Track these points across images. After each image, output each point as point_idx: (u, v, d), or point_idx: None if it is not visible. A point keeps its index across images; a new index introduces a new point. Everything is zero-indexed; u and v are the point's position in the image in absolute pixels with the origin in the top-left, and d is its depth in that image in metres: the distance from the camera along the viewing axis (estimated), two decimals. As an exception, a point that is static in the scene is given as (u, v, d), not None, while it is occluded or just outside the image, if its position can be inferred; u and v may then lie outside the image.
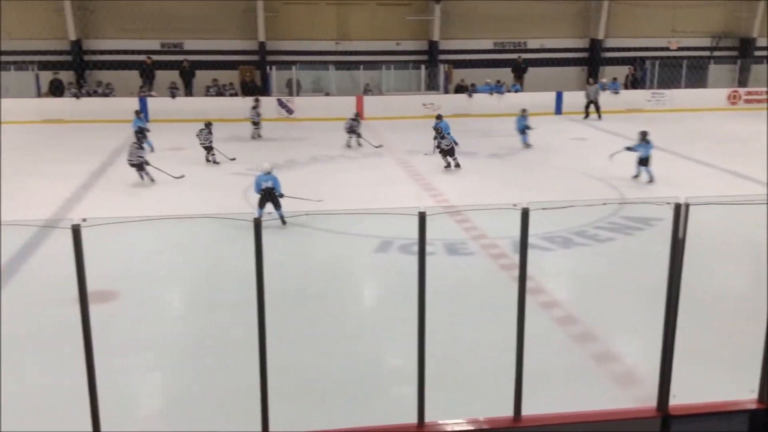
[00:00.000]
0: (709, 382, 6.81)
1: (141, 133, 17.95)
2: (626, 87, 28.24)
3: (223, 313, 8.67)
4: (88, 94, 24.80)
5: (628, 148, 15.59)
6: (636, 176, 15.63)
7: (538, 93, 26.87)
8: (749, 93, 28.22)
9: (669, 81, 28.25)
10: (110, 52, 27.01)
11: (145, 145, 16.19)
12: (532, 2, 28.77)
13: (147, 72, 26.04)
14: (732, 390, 5.77)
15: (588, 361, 7.55)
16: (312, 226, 12.03)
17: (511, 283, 9.36)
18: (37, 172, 16.06)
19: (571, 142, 20.90)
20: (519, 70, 28.84)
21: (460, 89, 27.30)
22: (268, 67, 27.20)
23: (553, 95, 26.94)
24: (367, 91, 26.74)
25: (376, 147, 19.64)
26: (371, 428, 5.55)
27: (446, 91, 27.67)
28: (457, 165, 16.87)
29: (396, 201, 13.65)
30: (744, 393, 5.56)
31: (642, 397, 6.53)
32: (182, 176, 15.49)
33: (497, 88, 26.81)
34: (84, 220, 4.60)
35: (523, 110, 20.19)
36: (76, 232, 4.54)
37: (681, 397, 5.43)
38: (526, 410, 5.35)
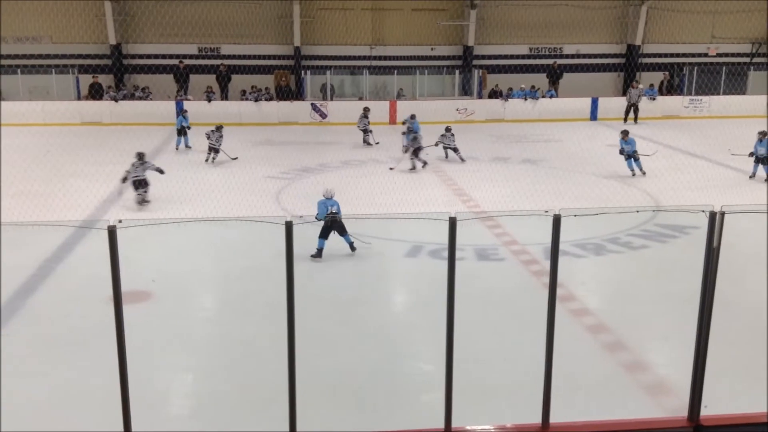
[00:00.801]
0: (741, 393, 6.70)
1: (182, 132, 19.78)
2: (661, 92, 27.87)
3: (253, 315, 8.76)
4: (127, 98, 25.22)
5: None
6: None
7: (574, 99, 26.67)
8: (790, 100, 27.64)
9: (707, 87, 27.79)
10: (149, 56, 27.48)
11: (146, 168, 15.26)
12: (569, 8, 28.55)
13: (181, 76, 26.40)
14: (764, 401, 5.68)
15: (618, 370, 7.46)
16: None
17: (541, 290, 9.30)
18: (75, 173, 16.38)
19: (606, 149, 20.65)
20: (554, 75, 28.65)
21: (494, 94, 27.22)
22: (302, 72, 27.42)
23: (588, 101, 26.73)
24: (400, 96, 26.79)
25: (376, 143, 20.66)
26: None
27: (480, 96, 27.60)
28: (425, 163, 17.60)
29: (427, 206, 13.66)
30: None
31: (673, 408, 6.44)
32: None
33: (531, 93, 26.68)
34: (120, 221, 4.70)
35: (625, 132, 17.50)
36: (111, 233, 4.64)
37: (713, 407, 5.36)
38: (555, 418, 5.32)
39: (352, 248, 10.95)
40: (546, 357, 5.14)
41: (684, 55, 29.93)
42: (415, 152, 17.54)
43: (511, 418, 5.55)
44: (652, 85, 27.44)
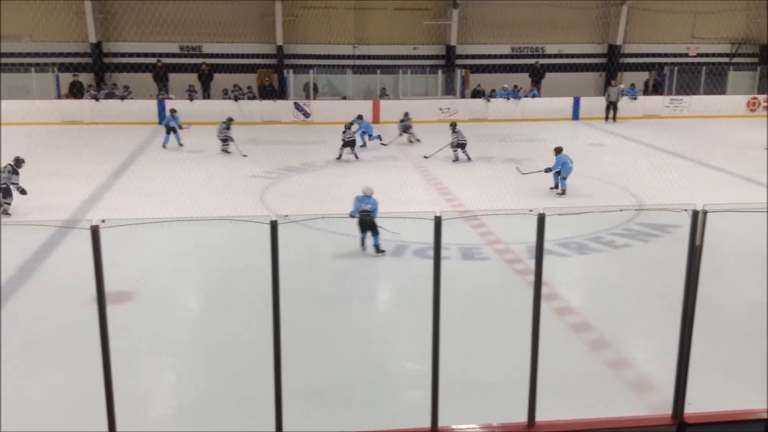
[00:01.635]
0: (724, 390, 6.76)
1: (172, 131, 20.16)
2: (646, 92, 28.09)
3: (238, 315, 8.72)
4: (108, 96, 25.01)
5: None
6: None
7: (556, 98, 26.81)
8: (769, 100, 27.97)
9: (688, 87, 28.06)
10: (130, 55, 27.27)
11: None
12: (551, 8, 28.70)
13: (160, 75, 26.22)
14: (748, 398, 5.74)
15: (602, 368, 7.51)
16: (327, 229, 12.06)
17: (525, 289, 9.36)
18: (56, 172, 16.22)
19: (588, 148, 20.80)
20: (537, 75, 28.78)
21: (477, 94, 27.29)
22: (285, 71, 27.33)
23: (570, 100, 26.88)
24: (383, 95, 26.80)
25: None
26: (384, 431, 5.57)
27: (463, 96, 27.67)
28: (356, 156, 18.80)
29: (411, 205, 13.66)
30: (760, 402, 5.52)
31: (656, 405, 6.49)
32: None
33: (514, 93, 26.80)
34: (103, 221, 4.65)
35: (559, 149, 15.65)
36: (95, 232, 4.60)
37: (696, 405, 5.41)
38: (540, 416, 5.34)
39: (378, 250, 10.92)
40: (531, 355, 5.15)
41: (665, 55, 30.20)
42: (349, 144, 18.70)
43: (497, 416, 5.55)
44: (633, 85, 27.65)
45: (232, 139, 19.22)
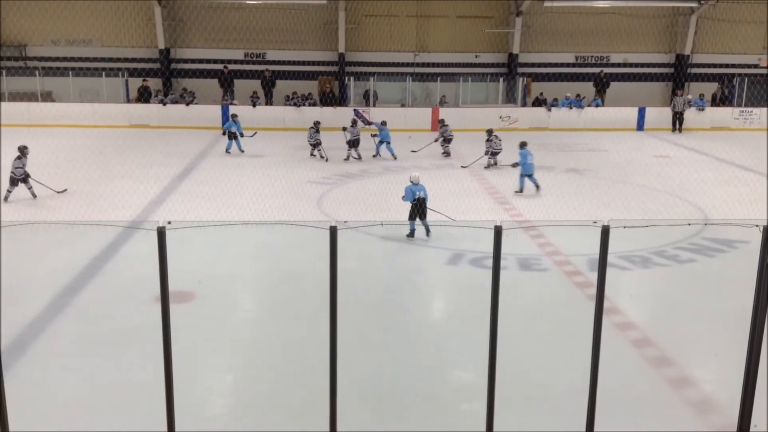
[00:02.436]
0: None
1: (233, 137, 20.35)
2: (714, 103, 27.33)
3: (296, 318, 8.81)
4: (174, 101, 25.66)
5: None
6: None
7: (620, 108, 26.30)
8: None
9: (758, 99, 27.18)
10: (197, 61, 27.93)
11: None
12: (616, 17, 28.22)
13: (225, 80, 26.76)
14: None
15: (664, 386, 7.31)
16: (384, 235, 12.10)
17: (584, 302, 9.20)
18: (123, 174, 16.71)
19: (653, 160, 20.36)
20: (601, 84, 28.30)
21: (539, 102, 27.00)
22: (346, 78, 27.57)
23: (635, 111, 26.34)
24: (443, 102, 26.75)
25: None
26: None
27: (524, 104, 27.41)
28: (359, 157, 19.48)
29: (469, 214, 13.59)
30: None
31: (719, 426, 6.29)
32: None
33: (577, 102, 26.40)
34: (169, 222, 4.77)
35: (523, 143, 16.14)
36: (161, 233, 4.72)
37: (762, 427, 5.22)
38: (598, 430, 5.23)
39: (428, 232, 11.98)
40: (591, 369, 5.06)
41: (734, 65, 29.31)
42: (354, 144, 19.49)
43: (553, 429, 5.47)
44: (702, 96, 26.94)
45: (320, 143, 19.66)
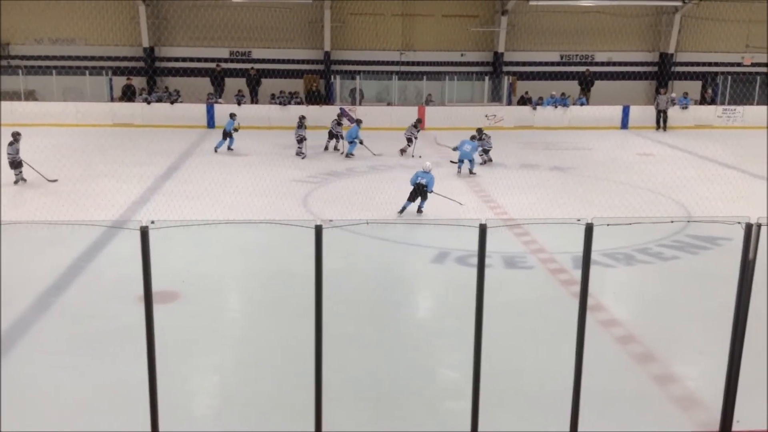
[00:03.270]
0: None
1: (229, 135, 20.24)
2: (702, 101, 27.56)
3: (281, 317, 8.79)
4: (159, 100, 25.51)
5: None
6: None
7: (605, 107, 26.45)
8: (826, 111, 27.14)
9: (741, 97, 27.43)
10: (182, 60, 27.79)
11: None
12: (601, 15, 28.36)
13: (217, 79, 26.67)
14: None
15: (648, 382, 7.35)
16: (370, 234, 12.09)
17: (569, 299, 9.23)
18: (107, 173, 16.60)
19: (637, 158, 20.49)
20: (585, 83, 28.43)
21: (524, 101, 27.09)
22: (332, 77, 27.53)
23: (619, 109, 26.50)
24: (429, 101, 26.78)
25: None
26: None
27: (509, 103, 27.49)
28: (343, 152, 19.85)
29: (454, 212, 13.61)
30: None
31: (703, 422, 6.33)
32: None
33: (562, 101, 26.52)
34: (152, 221, 4.74)
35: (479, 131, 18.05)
36: (144, 233, 4.69)
37: (744, 422, 5.27)
38: (583, 429, 5.25)
39: (419, 210, 13.46)
40: (575, 366, 5.09)
41: (718, 64, 29.56)
42: (336, 136, 20.32)
43: (538, 428, 5.49)
44: (686, 94, 27.12)
45: (305, 139, 19.56)
